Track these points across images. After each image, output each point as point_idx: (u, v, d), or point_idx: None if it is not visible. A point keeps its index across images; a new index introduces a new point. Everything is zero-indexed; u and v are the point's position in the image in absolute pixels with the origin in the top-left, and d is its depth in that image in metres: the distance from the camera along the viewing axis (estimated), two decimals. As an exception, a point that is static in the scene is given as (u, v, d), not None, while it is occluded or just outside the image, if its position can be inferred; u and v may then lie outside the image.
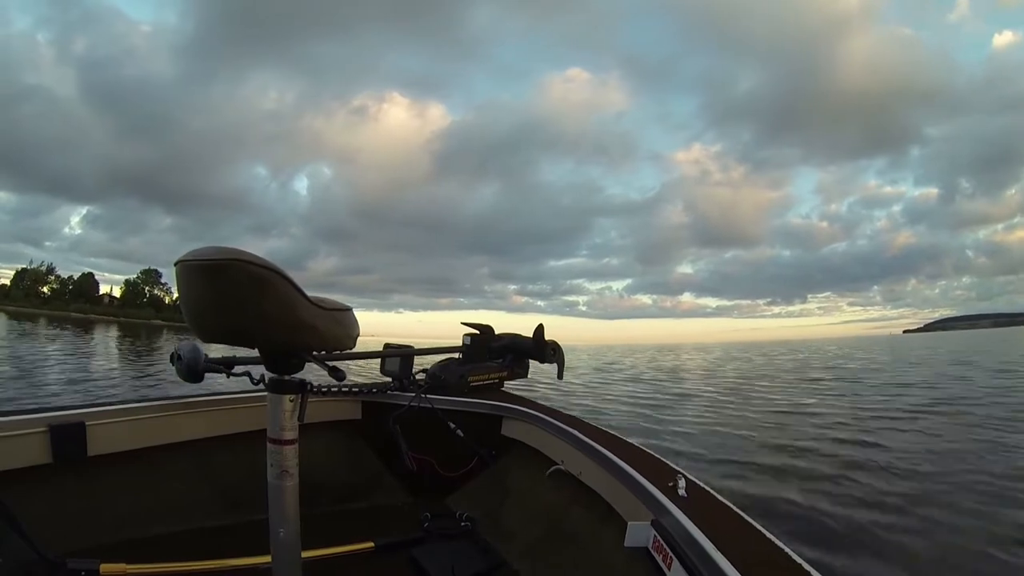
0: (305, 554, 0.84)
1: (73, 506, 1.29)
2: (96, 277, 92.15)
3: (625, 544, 1.00)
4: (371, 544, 1.33)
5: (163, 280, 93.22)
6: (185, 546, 1.26)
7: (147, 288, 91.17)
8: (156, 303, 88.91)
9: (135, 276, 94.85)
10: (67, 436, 1.28)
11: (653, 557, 0.93)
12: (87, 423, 1.31)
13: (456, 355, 2.10)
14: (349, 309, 0.82)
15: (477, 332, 2.11)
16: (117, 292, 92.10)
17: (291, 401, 0.80)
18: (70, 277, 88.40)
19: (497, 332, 2.14)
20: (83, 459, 1.31)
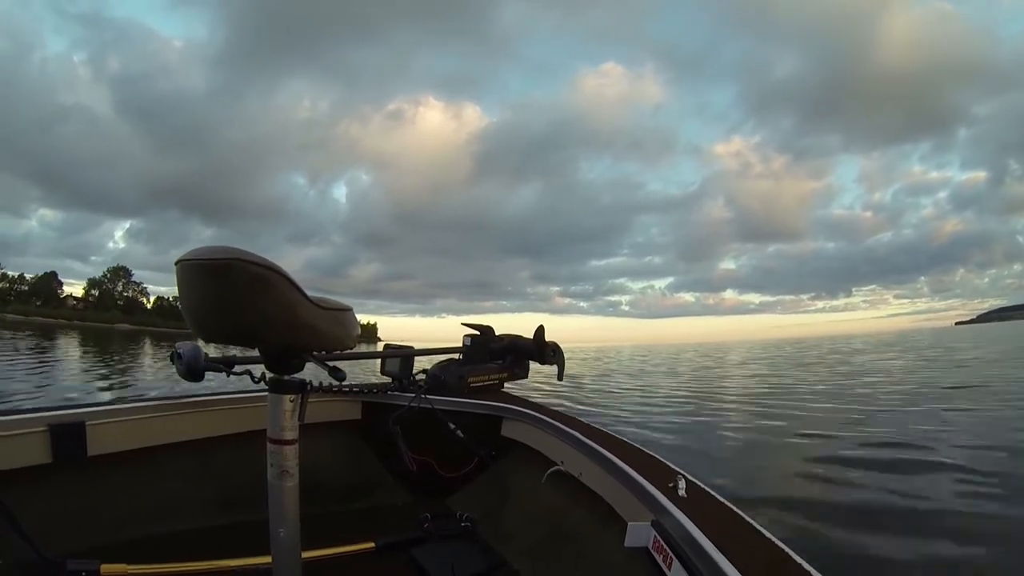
0: (305, 554, 0.84)
1: (73, 506, 1.29)
2: (60, 277, 77.77)
3: (625, 544, 1.00)
4: (371, 544, 1.33)
5: (135, 279, 79.79)
6: (185, 546, 1.26)
7: (115, 288, 77.61)
8: (130, 305, 76.75)
9: (101, 274, 79.89)
10: (67, 436, 1.28)
11: (653, 557, 0.93)
12: (87, 423, 1.31)
13: (456, 356, 2.10)
14: (349, 309, 0.82)
15: (477, 333, 2.11)
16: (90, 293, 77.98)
17: (291, 401, 0.80)
18: (20, 276, 74.71)
19: (498, 333, 2.15)
20: (83, 459, 1.31)
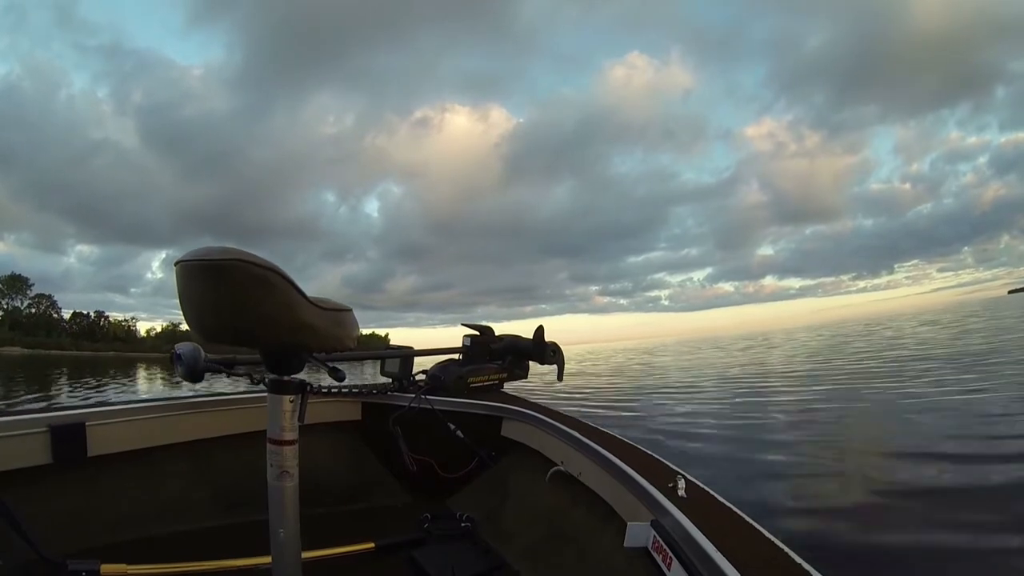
0: (305, 555, 0.84)
1: (73, 506, 1.30)
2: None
3: (625, 544, 1.00)
4: (371, 545, 1.33)
5: (35, 292, 61.19)
6: (185, 546, 1.26)
7: (13, 303, 60.42)
8: (35, 323, 59.48)
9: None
10: (67, 436, 1.28)
11: (653, 557, 0.93)
12: (87, 423, 1.32)
13: (456, 356, 2.10)
14: (349, 310, 0.82)
15: (477, 333, 2.12)
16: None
17: (291, 402, 0.81)
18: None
19: (497, 333, 2.15)
20: (83, 459, 1.31)
